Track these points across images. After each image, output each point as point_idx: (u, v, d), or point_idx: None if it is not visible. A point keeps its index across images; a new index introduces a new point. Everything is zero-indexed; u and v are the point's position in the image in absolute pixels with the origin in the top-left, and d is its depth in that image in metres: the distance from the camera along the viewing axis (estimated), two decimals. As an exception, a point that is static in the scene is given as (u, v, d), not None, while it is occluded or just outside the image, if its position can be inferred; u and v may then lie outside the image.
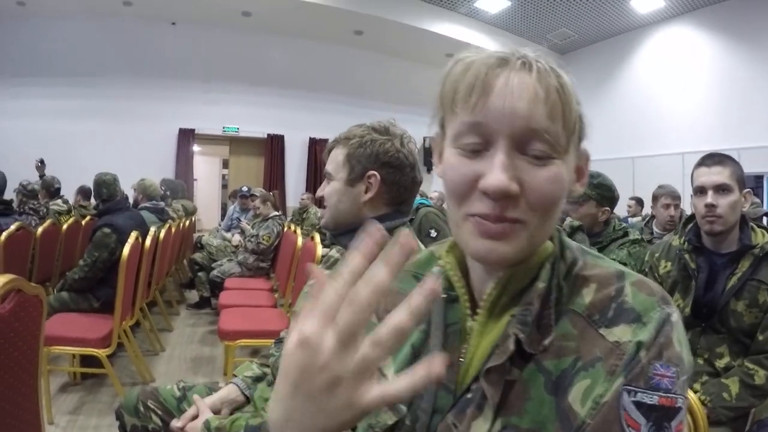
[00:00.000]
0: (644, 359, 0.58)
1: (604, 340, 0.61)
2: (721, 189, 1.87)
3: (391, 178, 1.41)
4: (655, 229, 3.91)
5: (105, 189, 3.75)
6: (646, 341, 0.59)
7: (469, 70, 0.64)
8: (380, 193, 1.41)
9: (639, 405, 0.57)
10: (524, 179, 0.62)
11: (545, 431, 0.61)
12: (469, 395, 0.68)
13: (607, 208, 2.66)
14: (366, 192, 1.41)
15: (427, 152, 9.71)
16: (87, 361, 3.19)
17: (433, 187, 8.93)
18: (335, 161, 1.44)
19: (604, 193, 2.60)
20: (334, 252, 1.67)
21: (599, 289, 0.66)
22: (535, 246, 0.67)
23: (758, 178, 9.09)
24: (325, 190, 1.46)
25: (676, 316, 0.62)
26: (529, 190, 0.62)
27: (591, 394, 0.59)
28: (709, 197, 1.88)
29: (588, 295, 0.66)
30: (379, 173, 1.40)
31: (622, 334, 0.61)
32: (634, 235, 2.67)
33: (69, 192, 6.49)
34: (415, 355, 0.76)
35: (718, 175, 1.89)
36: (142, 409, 1.55)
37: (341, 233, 1.44)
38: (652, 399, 0.57)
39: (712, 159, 1.95)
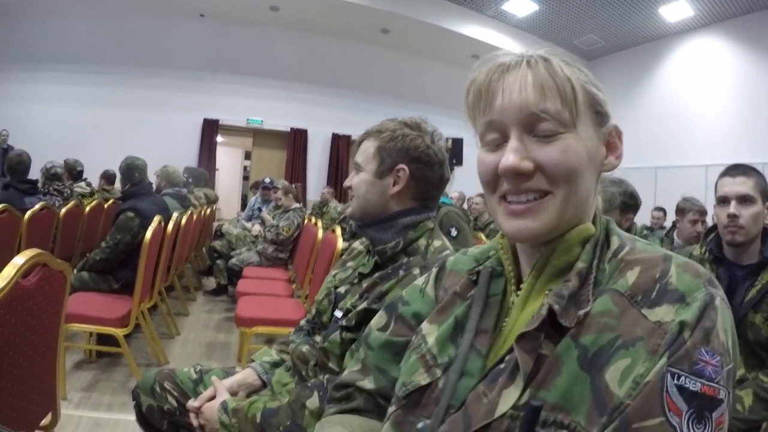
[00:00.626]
0: (689, 341, 0.57)
1: (645, 320, 0.61)
2: (744, 200, 1.86)
3: (419, 174, 1.41)
4: (676, 239, 3.87)
5: (137, 173, 3.77)
6: (690, 321, 0.58)
7: (478, 82, 0.76)
8: (408, 187, 1.41)
9: (681, 390, 0.55)
10: (537, 156, 0.70)
11: (575, 409, 0.61)
12: (501, 365, 0.70)
13: (631, 215, 2.62)
14: (394, 185, 1.41)
15: (450, 152, 9.71)
16: (103, 340, 3.23)
17: (453, 186, 8.91)
18: (365, 153, 1.44)
19: (627, 200, 2.56)
20: (357, 244, 1.67)
21: (644, 271, 0.66)
22: (566, 219, 0.71)
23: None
24: (354, 180, 1.45)
25: (720, 301, 0.61)
26: (543, 164, 0.70)
27: (630, 374, 0.58)
28: (732, 207, 1.86)
29: (632, 277, 0.66)
30: (408, 167, 1.40)
31: (664, 314, 0.60)
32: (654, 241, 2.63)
33: (94, 176, 6.58)
34: (457, 325, 0.81)
35: (741, 185, 1.88)
36: (158, 389, 1.56)
37: (367, 224, 1.44)
38: (695, 385, 0.55)
39: (736, 169, 1.93)
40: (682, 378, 0.56)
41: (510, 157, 0.70)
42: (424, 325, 0.85)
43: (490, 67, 0.75)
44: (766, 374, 1.82)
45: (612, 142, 0.77)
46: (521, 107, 0.70)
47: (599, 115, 0.75)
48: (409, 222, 1.40)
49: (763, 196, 1.87)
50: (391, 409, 0.81)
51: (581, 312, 0.65)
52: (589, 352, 0.62)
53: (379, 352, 0.92)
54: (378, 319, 0.97)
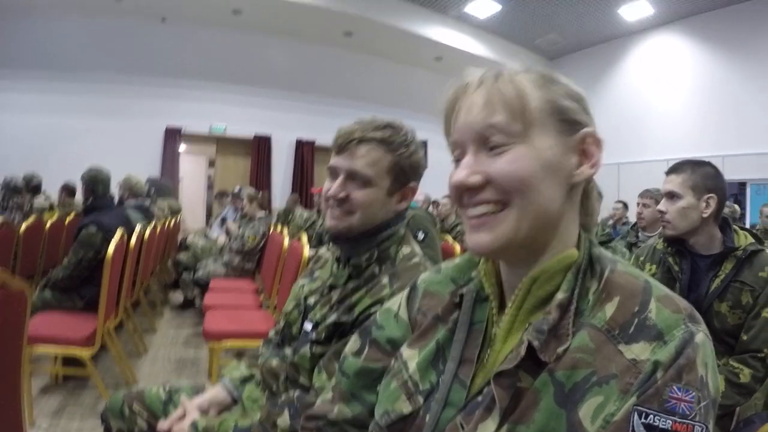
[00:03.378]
0: (660, 380, 0.57)
1: (621, 357, 0.61)
2: (671, 196, 2.00)
3: (416, 187, 1.42)
4: (640, 233, 3.95)
5: (101, 186, 3.63)
6: (665, 361, 0.58)
7: (447, 100, 0.78)
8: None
9: (650, 428, 0.55)
10: (487, 170, 0.71)
11: None
12: (479, 398, 0.70)
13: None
14: (400, 202, 1.39)
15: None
16: (69, 362, 3.15)
17: (419, 189, 8.94)
18: (377, 166, 1.32)
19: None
20: (323, 251, 1.65)
21: (623, 303, 0.66)
22: (524, 232, 0.70)
23: (741, 185, 9.22)
24: (360, 195, 1.32)
25: (702, 337, 0.61)
26: (491, 177, 0.70)
27: (602, 412, 0.58)
28: (661, 203, 2.02)
29: (610, 309, 0.66)
30: (416, 183, 1.40)
31: (640, 351, 0.60)
32: (616, 248, 2.68)
33: (54, 187, 6.44)
34: (439, 350, 0.80)
35: (669, 183, 2.02)
36: (127, 412, 1.52)
37: (348, 238, 1.36)
38: (665, 423, 0.55)
39: (673, 168, 2.06)
40: (651, 416, 0.55)
41: (459, 173, 0.72)
42: (405, 350, 0.85)
43: (457, 86, 0.77)
44: (735, 359, 1.89)
45: (586, 150, 0.75)
46: (472, 126, 0.72)
47: (566, 123, 0.73)
48: (388, 235, 1.37)
49: (696, 191, 1.95)
50: None
51: (560, 348, 0.65)
52: (565, 388, 0.62)
53: (354, 379, 0.91)
54: (352, 344, 0.96)
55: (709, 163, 2.03)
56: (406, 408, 0.78)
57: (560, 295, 0.69)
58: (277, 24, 10.11)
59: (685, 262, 2.02)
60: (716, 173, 2.00)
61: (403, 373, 0.81)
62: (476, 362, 0.75)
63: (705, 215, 1.94)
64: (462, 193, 0.73)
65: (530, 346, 0.66)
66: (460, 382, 0.74)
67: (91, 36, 9.46)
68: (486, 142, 0.71)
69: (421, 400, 0.77)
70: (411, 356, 0.82)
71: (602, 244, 2.63)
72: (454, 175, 0.73)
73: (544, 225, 0.71)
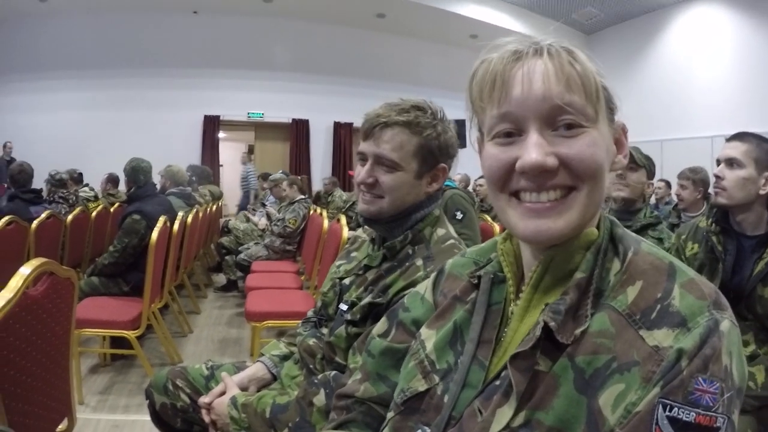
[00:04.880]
0: (685, 371, 0.55)
1: (643, 343, 0.58)
2: (731, 162, 1.86)
3: (448, 168, 1.41)
4: (683, 214, 3.86)
5: (142, 175, 3.73)
6: (689, 349, 0.55)
7: (489, 70, 0.69)
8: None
9: (673, 421, 0.53)
10: (561, 152, 0.65)
11: (570, 431, 0.59)
12: (497, 382, 0.68)
13: (652, 182, 2.60)
14: (431, 183, 1.38)
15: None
16: (117, 342, 3.26)
17: (457, 169, 8.88)
18: (403, 150, 1.31)
19: (651, 166, 2.53)
20: (360, 232, 1.66)
21: (645, 288, 0.63)
22: (585, 220, 0.67)
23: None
24: (388, 179, 1.32)
25: (727, 324, 0.58)
26: (569, 159, 0.65)
27: (623, 401, 0.56)
28: (717, 169, 1.88)
29: (632, 293, 0.63)
30: (447, 165, 1.38)
31: (663, 338, 0.57)
32: (663, 230, 2.57)
33: (97, 180, 6.61)
34: (457, 331, 0.79)
35: (732, 149, 1.88)
36: (171, 387, 1.57)
37: (383, 221, 1.37)
38: (689, 416, 0.53)
39: (736, 135, 1.93)
40: (675, 409, 0.53)
41: (533, 153, 0.64)
42: (423, 330, 0.85)
43: (502, 54, 0.69)
44: None
45: (620, 140, 0.73)
46: (545, 98, 0.64)
47: (611, 111, 0.71)
48: (421, 216, 1.37)
49: (758, 164, 1.83)
50: (390, 415, 0.81)
51: (578, 330, 0.62)
52: (585, 374, 0.60)
53: (380, 359, 0.92)
54: (380, 326, 0.97)
55: None
56: (421, 386, 0.77)
57: (579, 275, 0.66)
58: (308, 9, 10.15)
59: (730, 242, 1.90)
60: None
61: (420, 353, 0.81)
62: (494, 343, 0.73)
63: (762, 192, 1.82)
64: (533, 176, 0.65)
65: (547, 328, 0.63)
66: (479, 363, 0.72)
67: (123, 32, 9.69)
68: (554, 122, 0.65)
69: (436, 378, 0.76)
70: (429, 336, 0.82)
71: (650, 226, 2.48)
72: (524, 154, 0.65)
73: (598, 213, 0.70)
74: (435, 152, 1.35)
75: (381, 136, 1.31)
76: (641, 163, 2.47)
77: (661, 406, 0.54)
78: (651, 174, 2.57)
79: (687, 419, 0.53)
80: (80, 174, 6.20)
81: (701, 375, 0.54)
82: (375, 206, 1.34)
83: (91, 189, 6.12)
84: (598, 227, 0.71)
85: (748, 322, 1.84)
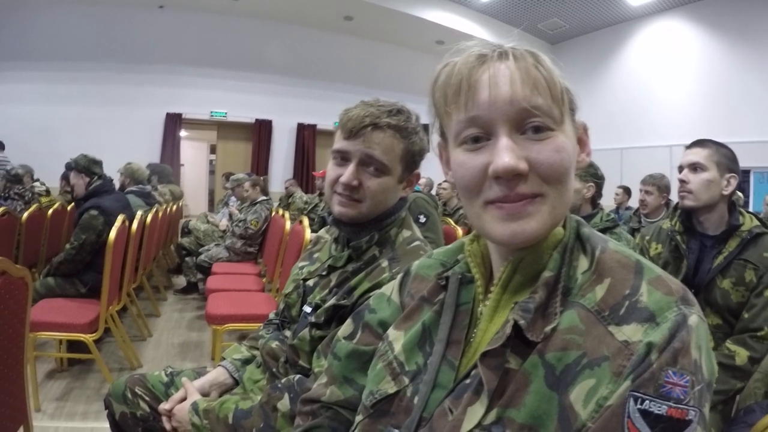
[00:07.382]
0: (655, 364, 0.55)
1: (612, 338, 0.59)
2: (695, 167, 2.00)
3: (420, 173, 1.42)
4: (643, 218, 3.98)
5: (97, 167, 3.62)
6: (658, 343, 0.56)
7: (453, 74, 0.69)
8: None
9: (645, 414, 0.54)
10: (530, 156, 0.65)
11: (543, 428, 0.59)
12: (467, 381, 0.68)
13: (592, 184, 2.68)
14: (405, 188, 1.38)
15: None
16: (74, 347, 3.18)
17: (421, 173, 8.92)
18: (391, 153, 1.29)
19: (586, 168, 2.59)
20: (323, 232, 1.65)
21: (614, 285, 0.64)
22: (556, 221, 0.69)
23: (745, 173, 9.16)
24: (373, 184, 1.29)
25: (695, 319, 0.58)
26: (538, 164, 0.65)
27: (594, 396, 0.57)
28: (682, 174, 2.03)
29: (601, 291, 0.64)
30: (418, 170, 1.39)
31: (632, 333, 0.58)
32: (621, 234, 2.68)
33: (55, 176, 6.46)
34: (425, 332, 0.79)
35: (694, 155, 2.03)
36: (130, 396, 1.53)
37: (360, 223, 1.35)
38: (660, 408, 0.53)
39: (695, 142, 2.08)
40: (646, 402, 0.54)
41: (505, 156, 0.64)
42: (391, 332, 0.84)
43: (467, 57, 0.69)
44: (732, 342, 1.90)
45: (582, 138, 0.74)
46: (512, 101, 0.65)
47: (573, 111, 0.72)
48: (391, 220, 1.37)
49: (720, 167, 1.98)
50: (359, 418, 0.80)
51: (548, 328, 0.63)
52: (556, 370, 0.61)
53: (346, 361, 0.91)
54: (345, 328, 0.96)
55: (728, 146, 2.06)
56: (390, 388, 0.77)
57: (547, 274, 0.67)
58: (276, 9, 10.07)
59: (694, 241, 2.05)
60: (735, 156, 2.04)
61: (389, 354, 0.81)
62: (464, 343, 0.73)
63: (725, 193, 1.98)
64: (506, 181, 0.65)
65: (517, 326, 0.64)
66: (448, 364, 0.73)
67: (87, 25, 9.43)
68: (522, 125, 0.66)
69: (406, 380, 0.76)
70: (397, 337, 0.82)
71: (608, 230, 2.64)
72: (496, 159, 0.64)
73: (565, 212, 0.71)
74: (416, 158, 1.36)
75: (371, 138, 1.27)
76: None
77: (632, 399, 0.54)
78: (586, 176, 2.73)
79: (659, 412, 0.53)
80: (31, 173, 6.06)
81: (671, 368, 0.55)
82: (354, 210, 1.30)
83: (42, 183, 5.97)
84: (564, 227, 0.72)
85: (709, 318, 1.97)
